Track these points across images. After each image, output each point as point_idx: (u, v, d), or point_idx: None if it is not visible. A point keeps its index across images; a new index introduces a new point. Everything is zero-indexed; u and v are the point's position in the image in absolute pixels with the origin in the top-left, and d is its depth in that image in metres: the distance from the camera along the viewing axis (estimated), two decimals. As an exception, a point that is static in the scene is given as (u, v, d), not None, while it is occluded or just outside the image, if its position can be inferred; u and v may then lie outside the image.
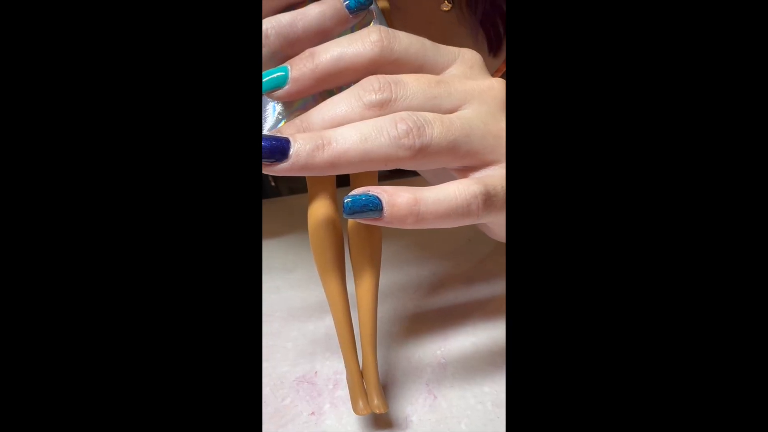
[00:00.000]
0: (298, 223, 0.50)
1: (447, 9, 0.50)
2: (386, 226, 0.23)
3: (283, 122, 0.26)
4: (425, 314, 0.35)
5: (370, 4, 0.27)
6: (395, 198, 0.22)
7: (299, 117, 0.25)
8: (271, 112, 0.27)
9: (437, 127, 0.23)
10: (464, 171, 0.25)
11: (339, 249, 0.28)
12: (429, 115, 0.23)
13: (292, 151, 0.22)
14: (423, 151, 0.23)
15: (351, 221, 0.27)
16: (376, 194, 0.22)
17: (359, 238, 0.28)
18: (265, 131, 0.27)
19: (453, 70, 0.26)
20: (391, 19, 0.30)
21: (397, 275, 0.40)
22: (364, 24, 0.28)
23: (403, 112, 0.23)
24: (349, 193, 0.23)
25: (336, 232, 0.28)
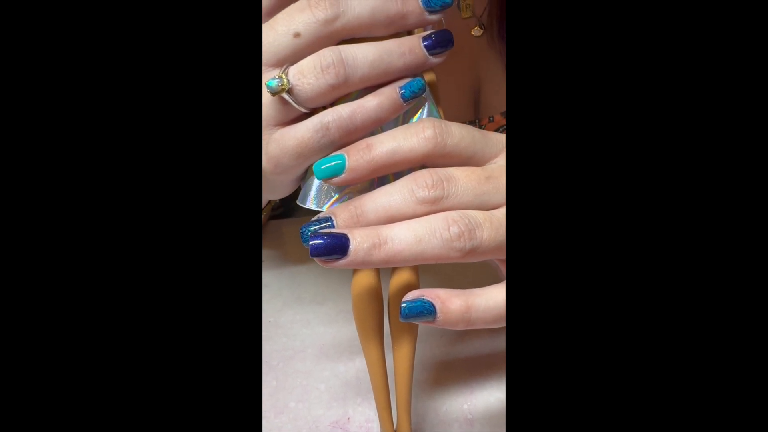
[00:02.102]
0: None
1: (479, 35, 0.50)
2: (438, 327, 0.24)
3: (334, 198, 0.28)
4: (452, 363, 0.37)
5: (423, 91, 0.28)
6: (448, 305, 0.24)
7: (352, 202, 0.26)
8: (314, 185, 0.28)
9: (487, 230, 0.24)
10: (502, 263, 0.26)
11: (380, 317, 0.29)
12: (479, 217, 0.25)
13: (351, 248, 0.24)
14: (473, 252, 0.24)
15: (392, 288, 0.29)
16: (430, 300, 0.24)
17: (398, 308, 0.29)
18: (307, 204, 0.28)
19: (500, 161, 0.27)
20: (438, 89, 0.31)
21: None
22: (416, 108, 0.29)
23: (455, 213, 0.24)
24: (405, 298, 0.24)
25: (378, 300, 0.29)
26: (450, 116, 0.52)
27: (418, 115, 0.29)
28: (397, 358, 0.30)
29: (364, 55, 0.26)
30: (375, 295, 0.29)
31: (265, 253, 0.48)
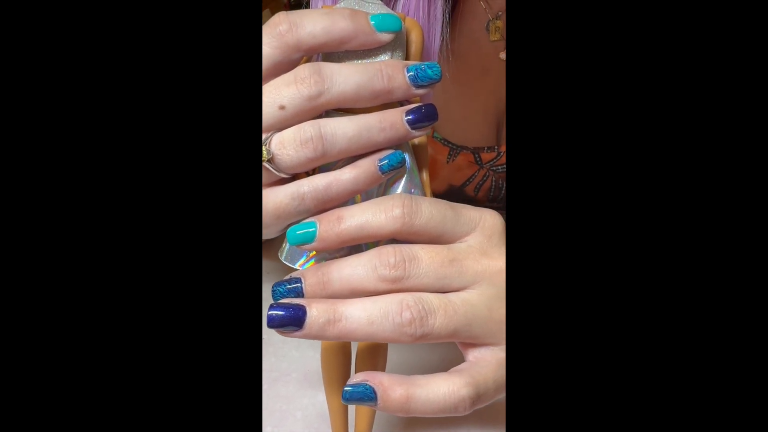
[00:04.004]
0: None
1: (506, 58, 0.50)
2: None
3: (308, 265, 0.29)
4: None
5: (403, 164, 0.28)
6: (389, 393, 0.25)
7: (321, 267, 0.27)
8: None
9: (440, 318, 0.25)
10: (462, 345, 0.27)
11: (346, 369, 0.31)
12: (435, 303, 0.25)
13: (306, 322, 0.25)
14: (423, 338, 0.25)
15: (360, 343, 0.30)
16: (372, 386, 0.25)
17: (365, 364, 0.31)
18: (282, 259, 0.30)
19: (471, 240, 0.28)
20: (426, 151, 0.32)
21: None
22: (397, 177, 0.29)
23: (410, 298, 0.25)
24: (349, 381, 0.25)
25: (345, 353, 0.31)
26: (471, 140, 0.52)
27: (397, 184, 0.29)
28: (359, 410, 0.31)
29: (343, 131, 0.27)
30: (343, 348, 0.31)
31: (270, 265, 0.49)
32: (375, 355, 0.30)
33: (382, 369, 0.31)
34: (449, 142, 0.50)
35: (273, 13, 0.31)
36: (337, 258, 0.28)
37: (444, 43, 0.34)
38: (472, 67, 0.49)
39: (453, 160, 0.51)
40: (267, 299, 0.26)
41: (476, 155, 0.50)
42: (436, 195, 0.54)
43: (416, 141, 0.31)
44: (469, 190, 0.52)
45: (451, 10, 0.36)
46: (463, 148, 0.50)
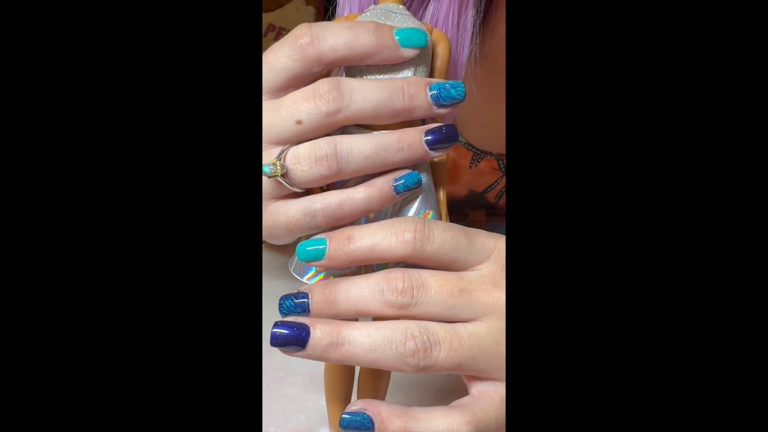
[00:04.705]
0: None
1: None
2: None
3: (316, 279, 0.29)
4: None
5: (419, 185, 0.28)
6: (387, 425, 0.24)
7: (329, 285, 0.27)
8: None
9: (444, 351, 0.25)
10: (466, 377, 0.27)
11: (349, 385, 0.31)
12: (441, 334, 0.25)
13: (309, 343, 0.25)
14: (426, 369, 0.25)
15: None
16: (370, 416, 0.24)
17: (367, 382, 0.30)
18: (291, 269, 0.29)
19: (484, 269, 0.27)
20: (446, 171, 0.31)
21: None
22: (412, 198, 0.29)
23: (416, 327, 0.25)
24: (347, 408, 0.25)
25: (349, 369, 0.30)
26: (497, 146, 0.51)
27: (411, 205, 0.29)
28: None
29: (359, 149, 0.26)
30: (346, 365, 0.30)
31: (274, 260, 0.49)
32: (378, 373, 0.30)
33: (385, 388, 0.31)
34: (473, 147, 0.49)
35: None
36: (346, 274, 0.28)
37: (473, 54, 0.33)
38: (501, 70, 0.48)
39: (476, 165, 0.50)
40: (265, 298, 0.26)
41: (500, 161, 0.49)
42: (456, 200, 0.54)
43: (435, 159, 0.30)
44: (491, 196, 0.52)
45: (482, 20, 0.35)
46: (487, 153, 0.49)
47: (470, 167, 0.50)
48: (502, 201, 0.52)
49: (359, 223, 0.28)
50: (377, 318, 0.26)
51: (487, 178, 0.50)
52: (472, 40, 0.32)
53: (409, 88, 0.27)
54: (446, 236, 0.26)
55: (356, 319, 0.27)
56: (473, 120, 0.50)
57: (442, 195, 0.30)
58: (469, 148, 0.49)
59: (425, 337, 0.25)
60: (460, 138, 0.49)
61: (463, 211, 0.54)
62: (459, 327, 0.26)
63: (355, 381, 0.32)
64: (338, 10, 0.31)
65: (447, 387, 0.41)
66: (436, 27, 0.31)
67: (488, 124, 0.49)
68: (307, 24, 0.26)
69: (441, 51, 0.30)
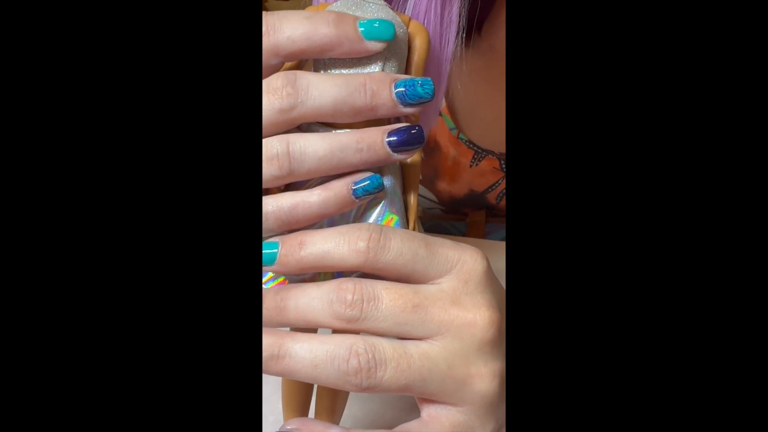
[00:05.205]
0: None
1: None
2: None
3: (273, 283, 0.27)
4: None
5: (381, 190, 0.26)
6: None
7: (280, 291, 0.25)
8: None
9: (390, 371, 0.23)
10: (418, 399, 0.25)
11: (306, 398, 0.29)
12: (389, 353, 0.23)
13: None
14: (370, 389, 0.23)
15: None
16: None
17: (325, 390, 0.29)
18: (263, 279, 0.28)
19: (444, 284, 0.25)
20: (418, 174, 0.29)
21: None
22: (375, 202, 0.27)
23: (362, 344, 0.23)
24: (281, 427, 0.24)
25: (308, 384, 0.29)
26: (499, 144, 0.49)
27: (375, 209, 0.27)
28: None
29: (314, 149, 0.24)
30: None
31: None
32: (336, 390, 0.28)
33: (344, 400, 0.29)
34: (475, 145, 0.47)
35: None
36: (305, 279, 0.26)
37: (458, 48, 0.31)
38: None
39: (477, 164, 0.47)
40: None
41: (501, 161, 0.47)
42: (456, 199, 0.52)
43: (408, 160, 0.28)
44: (491, 197, 0.49)
45: (479, 14, 0.32)
46: (488, 152, 0.47)
47: (471, 166, 0.48)
48: (503, 203, 0.49)
49: (323, 226, 0.26)
50: (336, 330, 0.24)
51: (488, 178, 0.48)
52: (458, 35, 0.30)
53: (371, 84, 0.25)
54: (404, 246, 0.24)
55: (316, 330, 0.26)
56: (476, 117, 0.47)
57: (412, 199, 0.28)
58: (470, 146, 0.47)
59: (370, 355, 0.23)
60: (461, 135, 0.47)
61: (462, 211, 0.51)
62: (410, 346, 0.24)
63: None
64: None
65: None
66: (416, 19, 0.28)
67: (491, 121, 0.47)
68: (264, 13, 0.25)
69: (419, 44, 0.27)
